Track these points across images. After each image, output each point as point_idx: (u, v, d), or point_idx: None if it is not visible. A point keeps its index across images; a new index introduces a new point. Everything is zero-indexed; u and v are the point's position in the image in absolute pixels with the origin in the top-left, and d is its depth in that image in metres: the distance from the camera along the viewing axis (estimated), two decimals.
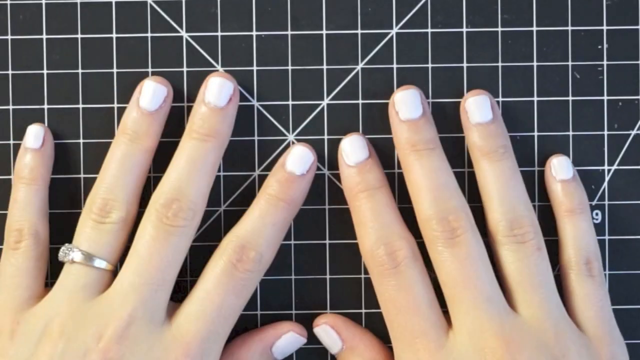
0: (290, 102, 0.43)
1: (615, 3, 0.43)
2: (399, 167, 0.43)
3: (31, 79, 0.43)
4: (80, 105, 0.43)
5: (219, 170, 0.43)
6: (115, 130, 0.43)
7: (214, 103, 0.41)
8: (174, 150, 0.41)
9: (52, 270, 0.42)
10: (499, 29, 0.43)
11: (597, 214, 0.43)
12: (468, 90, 0.42)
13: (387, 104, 0.42)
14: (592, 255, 0.41)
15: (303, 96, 0.43)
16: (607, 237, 0.43)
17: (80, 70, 0.43)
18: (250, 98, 0.43)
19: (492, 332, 0.38)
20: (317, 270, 0.43)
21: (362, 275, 0.43)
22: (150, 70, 0.43)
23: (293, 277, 0.43)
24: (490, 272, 0.40)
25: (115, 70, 0.43)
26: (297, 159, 0.41)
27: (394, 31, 0.43)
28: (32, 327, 0.39)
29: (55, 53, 0.43)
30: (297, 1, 0.43)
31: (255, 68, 0.43)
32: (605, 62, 0.43)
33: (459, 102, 0.42)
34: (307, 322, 0.42)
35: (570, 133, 0.43)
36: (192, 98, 0.42)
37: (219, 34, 0.43)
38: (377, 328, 0.43)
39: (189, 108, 0.42)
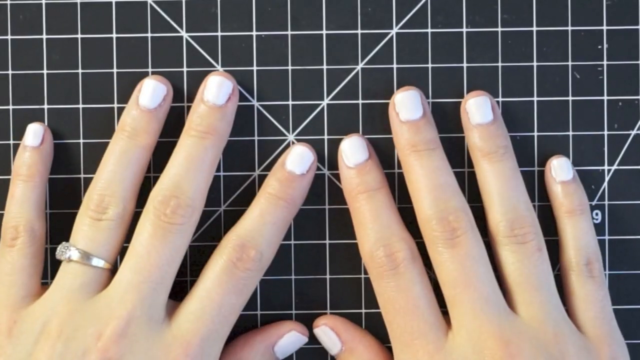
0: (290, 102, 0.43)
1: (615, 3, 0.43)
2: (399, 167, 0.43)
3: (31, 79, 0.43)
4: (80, 105, 0.43)
5: (218, 170, 0.43)
6: (115, 130, 0.42)
7: (212, 101, 0.41)
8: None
9: (52, 269, 0.42)
10: (499, 29, 0.43)
11: (597, 214, 0.43)
12: (468, 90, 0.42)
13: (387, 104, 0.42)
14: (593, 256, 0.41)
15: (303, 96, 0.43)
16: (607, 237, 0.43)
17: (80, 70, 0.43)
18: (250, 98, 0.43)
19: (492, 333, 0.38)
20: (317, 270, 0.43)
21: (362, 275, 0.43)
22: (150, 70, 0.43)
23: (293, 277, 0.43)
24: (490, 272, 0.40)
25: (115, 70, 0.43)
26: (297, 159, 0.41)
27: (394, 31, 0.43)
28: (30, 326, 0.39)
29: (55, 53, 0.43)
30: (297, 1, 0.43)
31: (255, 68, 0.43)
32: (605, 62, 0.43)
33: (459, 102, 0.42)
34: (307, 322, 0.42)
35: (570, 133, 0.43)
36: (192, 98, 0.42)
37: (219, 34, 0.43)
38: (377, 328, 0.43)
39: (189, 108, 0.42)
